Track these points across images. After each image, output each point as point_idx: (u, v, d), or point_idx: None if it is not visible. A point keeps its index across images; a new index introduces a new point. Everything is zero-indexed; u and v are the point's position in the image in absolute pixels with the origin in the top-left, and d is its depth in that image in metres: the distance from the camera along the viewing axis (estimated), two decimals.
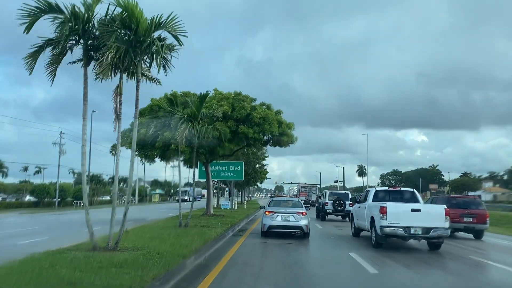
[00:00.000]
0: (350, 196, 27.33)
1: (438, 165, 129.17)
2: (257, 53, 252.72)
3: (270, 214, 15.90)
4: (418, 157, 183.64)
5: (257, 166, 52.37)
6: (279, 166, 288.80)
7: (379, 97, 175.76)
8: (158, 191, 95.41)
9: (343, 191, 35.23)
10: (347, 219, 24.49)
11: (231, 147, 23.12)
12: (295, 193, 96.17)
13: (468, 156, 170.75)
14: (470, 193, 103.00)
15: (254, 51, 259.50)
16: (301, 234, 15.95)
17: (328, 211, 27.47)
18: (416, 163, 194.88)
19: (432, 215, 12.70)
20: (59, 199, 60.10)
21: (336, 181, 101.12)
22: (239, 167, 30.26)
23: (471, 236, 17.95)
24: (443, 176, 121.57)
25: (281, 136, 22.52)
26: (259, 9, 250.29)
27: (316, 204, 34.47)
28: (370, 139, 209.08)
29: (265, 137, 23.00)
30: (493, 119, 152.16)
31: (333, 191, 35.21)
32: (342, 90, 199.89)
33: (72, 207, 58.77)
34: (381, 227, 12.65)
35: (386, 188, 16.67)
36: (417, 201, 14.73)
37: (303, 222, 15.60)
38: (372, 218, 13.56)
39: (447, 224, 12.58)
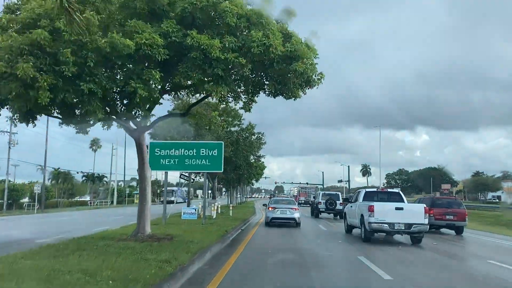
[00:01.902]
0: (340, 197, 31.51)
1: (446, 165, 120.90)
2: None
3: (272, 209, 21.60)
4: (418, 158, 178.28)
5: (251, 158, 40.39)
6: (279, 166, 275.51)
7: (378, 97, 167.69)
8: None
9: (334, 192, 37.33)
10: (338, 217, 28.76)
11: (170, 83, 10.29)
12: (295, 194, 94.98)
13: (468, 156, 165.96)
14: (490, 194, 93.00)
15: None
16: (294, 224, 21.05)
17: (321, 209, 30.87)
18: (415, 164, 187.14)
19: (414, 212, 14.35)
20: (9, 201, 49.14)
21: (341, 181, 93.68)
22: (215, 151, 17.73)
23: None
24: (454, 175, 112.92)
25: (290, 63, 9.43)
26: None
27: (311, 203, 38.48)
28: (368, 139, 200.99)
29: (251, 66, 9.82)
30: (492, 119, 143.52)
31: (326, 192, 38.75)
32: (341, 91, 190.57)
33: (23, 210, 46.93)
34: (369, 223, 14.19)
35: (375, 189, 18.86)
36: (402, 200, 16.05)
37: (296, 215, 21.17)
38: (362, 215, 15.05)
39: (426, 221, 14.26)
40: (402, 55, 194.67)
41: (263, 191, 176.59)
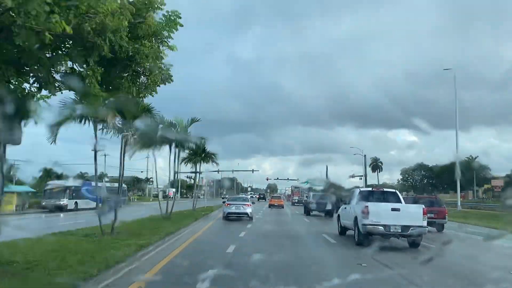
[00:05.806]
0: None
1: (477, 156, 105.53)
2: (246, 52, 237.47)
3: (228, 205, 24.73)
4: (411, 157, 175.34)
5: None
6: (272, 166, 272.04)
7: (369, 97, 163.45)
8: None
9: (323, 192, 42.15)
10: (328, 216, 30.57)
11: None
12: (288, 193, 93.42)
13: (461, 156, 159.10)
14: None
15: (244, 49, 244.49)
16: (247, 218, 23.93)
17: (312, 208, 33.83)
18: (410, 163, 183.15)
19: (411, 214, 13.50)
20: None
21: (353, 176, 75.63)
22: None
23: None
24: (490, 170, 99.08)
25: None
26: (249, 8, 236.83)
27: (304, 202, 41.89)
28: (361, 139, 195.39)
29: None
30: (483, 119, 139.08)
31: (316, 192, 41.40)
32: (333, 89, 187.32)
33: None
34: (363, 225, 13.38)
35: (370, 189, 18.20)
36: (399, 201, 15.27)
37: (248, 210, 24.20)
38: (355, 217, 14.27)
39: (425, 223, 13.43)
40: (393, 54, 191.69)
41: (249, 190, 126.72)
